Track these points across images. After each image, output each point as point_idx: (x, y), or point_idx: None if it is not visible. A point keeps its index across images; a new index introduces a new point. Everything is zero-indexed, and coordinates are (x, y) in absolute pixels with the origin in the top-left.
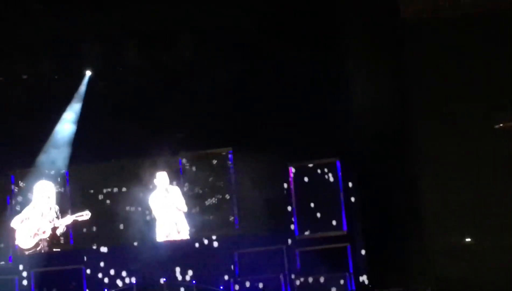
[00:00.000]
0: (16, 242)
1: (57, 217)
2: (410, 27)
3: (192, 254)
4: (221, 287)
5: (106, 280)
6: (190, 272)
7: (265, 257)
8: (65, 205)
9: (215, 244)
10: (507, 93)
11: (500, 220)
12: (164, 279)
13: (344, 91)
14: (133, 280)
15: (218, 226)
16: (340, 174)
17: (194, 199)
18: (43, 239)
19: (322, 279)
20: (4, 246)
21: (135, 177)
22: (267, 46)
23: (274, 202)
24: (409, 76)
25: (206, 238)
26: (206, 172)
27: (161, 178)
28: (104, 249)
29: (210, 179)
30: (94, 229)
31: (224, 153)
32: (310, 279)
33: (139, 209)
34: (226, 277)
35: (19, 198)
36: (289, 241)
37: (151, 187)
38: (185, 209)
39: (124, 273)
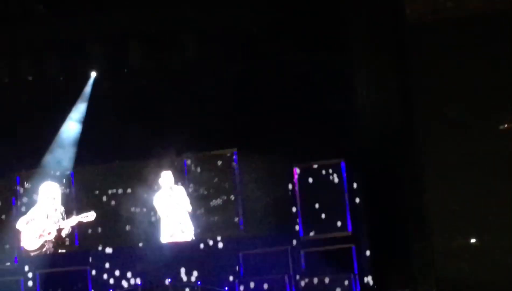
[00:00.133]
0: (21, 244)
1: (63, 218)
2: (412, 29)
3: (197, 255)
4: (226, 288)
5: (111, 281)
6: (195, 273)
7: (270, 258)
8: (70, 206)
9: (220, 245)
10: (509, 94)
11: (504, 221)
12: (169, 280)
13: (348, 92)
14: (138, 281)
15: (223, 227)
16: (345, 174)
17: (199, 200)
18: (48, 240)
19: (327, 280)
20: (10, 247)
21: (140, 178)
22: (271, 47)
23: (279, 203)
24: (412, 78)
25: (211, 239)
26: (211, 173)
27: (166, 177)
28: (109, 250)
29: (215, 180)
30: (99, 230)
31: (228, 154)
32: (315, 280)
33: (144, 210)
34: (231, 278)
35: (24, 199)
36: (294, 242)
37: (156, 187)
38: (190, 208)
39: (129, 274)
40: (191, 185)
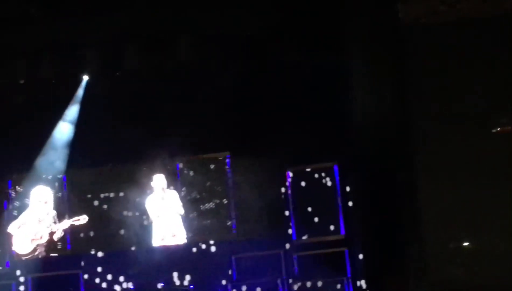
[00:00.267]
0: (13, 247)
1: (55, 222)
2: (410, 31)
3: (190, 258)
4: None
5: (103, 285)
6: (187, 277)
7: (262, 262)
8: (63, 209)
9: (213, 248)
10: (506, 96)
11: (498, 224)
12: (162, 284)
13: (342, 95)
14: (131, 285)
15: (215, 231)
16: (338, 178)
17: (191, 204)
18: (40, 244)
19: (320, 284)
20: (1, 251)
21: (133, 182)
22: (265, 51)
23: (272, 207)
24: (408, 81)
25: (203, 243)
26: (204, 177)
27: (158, 180)
28: (101, 254)
29: (208, 184)
30: (92, 234)
31: (221, 158)
32: (308, 284)
33: (137, 213)
34: (223, 282)
35: (16, 203)
36: (287, 245)
37: (148, 190)
38: (183, 212)
39: (122, 278)
40: (184, 189)
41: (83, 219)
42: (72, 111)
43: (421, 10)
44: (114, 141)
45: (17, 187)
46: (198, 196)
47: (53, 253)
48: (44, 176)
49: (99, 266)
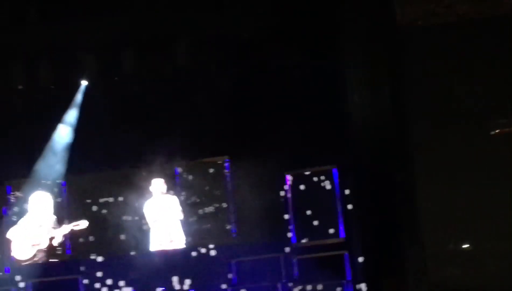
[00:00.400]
0: (13, 253)
1: (54, 227)
2: (407, 33)
3: (190, 263)
4: None
5: (103, 290)
6: (187, 281)
7: (262, 265)
8: (62, 214)
9: (212, 252)
10: (505, 98)
11: (497, 226)
12: (162, 289)
13: (340, 98)
14: (131, 290)
15: (215, 235)
16: (337, 181)
17: (190, 208)
18: (40, 249)
19: (320, 287)
20: (1, 257)
21: (132, 186)
22: (263, 55)
23: (271, 210)
24: (407, 82)
25: (203, 247)
26: (203, 181)
27: (157, 184)
28: (101, 259)
29: (207, 188)
30: (91, 238)
31: (220, 162)
32: (308, 287)
33: (136, 218)
34: (224, 286)
35: (16, 209)
36: (287, 249)
37: (147, 195)
38: (182, 216)
39: (122, 283)
40: (183, 193)
41: (83, 224)
42: (71, 116)
43: (419, 11)
44: (113, 146)
45: (16, 192)
46: (198, 200)
47: (53, 258)
48: (43, 181)
49: (99, 271)
